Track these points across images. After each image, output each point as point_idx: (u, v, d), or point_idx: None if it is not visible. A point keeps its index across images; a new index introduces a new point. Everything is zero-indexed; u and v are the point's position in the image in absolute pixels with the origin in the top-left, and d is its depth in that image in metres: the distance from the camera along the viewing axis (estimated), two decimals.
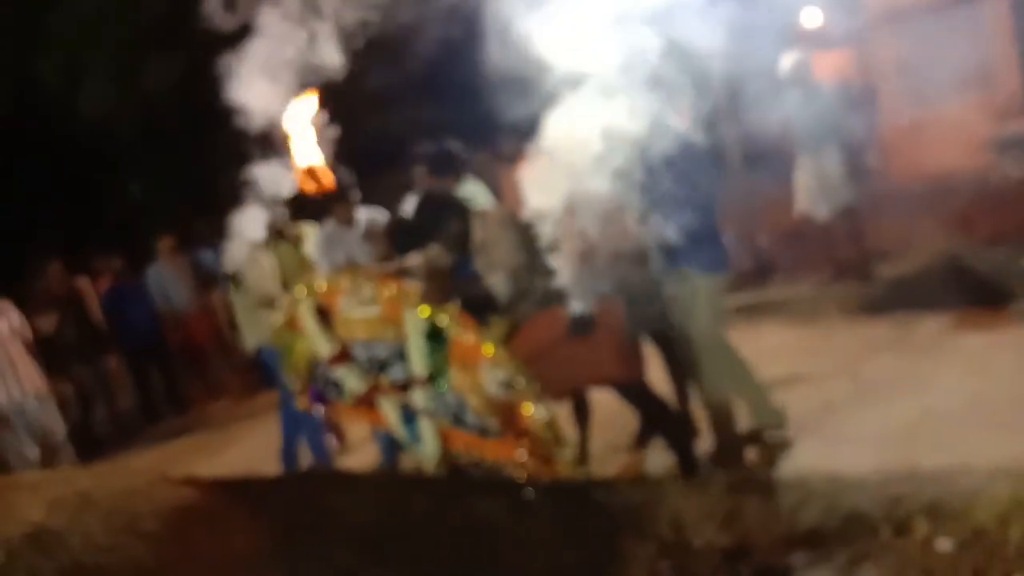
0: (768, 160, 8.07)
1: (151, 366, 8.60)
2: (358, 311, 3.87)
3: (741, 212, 7.93)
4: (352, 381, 3.98)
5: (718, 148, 7.89)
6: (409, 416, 3.85)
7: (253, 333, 5.02)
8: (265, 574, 2.74)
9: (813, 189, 6.87)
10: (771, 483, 3.30)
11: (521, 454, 3.55)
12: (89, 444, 7.21)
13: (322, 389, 4.17)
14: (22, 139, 12.42)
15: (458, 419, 3.70)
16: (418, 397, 3.78)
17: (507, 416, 3.55)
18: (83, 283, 8.59)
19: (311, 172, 4.21)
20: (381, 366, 3.88)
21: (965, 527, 2.69)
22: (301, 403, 4.37)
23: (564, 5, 3.33)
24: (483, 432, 3.66)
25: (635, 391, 3.86)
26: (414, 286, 3.77)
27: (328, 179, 4.23)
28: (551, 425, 3.52)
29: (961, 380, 4.44)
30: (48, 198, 12.51)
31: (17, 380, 5.24)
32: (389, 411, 3.92)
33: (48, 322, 7.63)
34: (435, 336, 3.66)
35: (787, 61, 6.80)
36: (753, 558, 2.86)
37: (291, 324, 4.15)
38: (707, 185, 3.83)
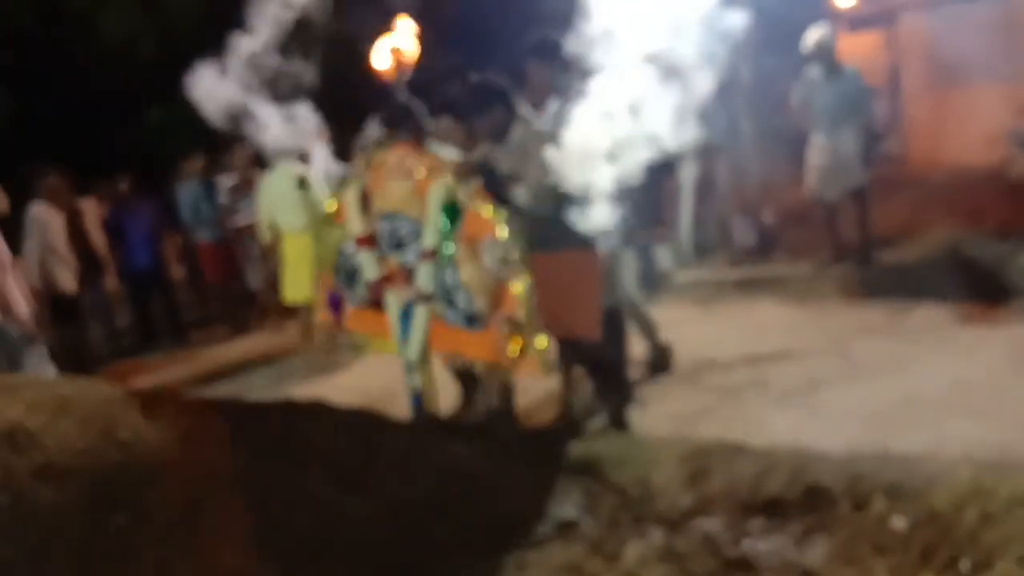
0: (782, 137, 8.03)
1: (150, 290, 8.68)
2: (396, 183, 4.06)
3: (750, 188, 7.92)
4: (369, 267, 4.19)
5: (733, 122, 7.84)
6: (407, 315, 4.05)
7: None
8: (234, 492, 2.81)
9: (825, 169, 6.83)
10: (738, 450, 3.33)
11: (504, 348, 3.71)
12: (82, 361, 7.31)
13: (340, 284, 4.37)
14: (44, 61, 12.41)
15: (450, 301, 3.87)
16: (422, 275, 3.95)
17: (495, 297, 3.72)
18: (87, 204, 8.65)
19: (395, 51, 4.34)
20: (398, 244, 4.08)
21: (921, 508, 2.73)
22: (320, 316, 4.59)
23: None
24: (469, 321, 3.82)
25: (598, 349, 3.93)
26: (451, 162, 3.92)
27: (409, 58, 4.35)
28: (533, 308, 3.64)
29: (945, 368, 4.48)
30: (67, 121, 12.52)
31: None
32: (392, 304, 4.13)
33: None
34: (452, 211, 3.83)
35: (811, 37, 6.72)
36: (711, 519, 2.91)
37: (338, 213, 4.35)
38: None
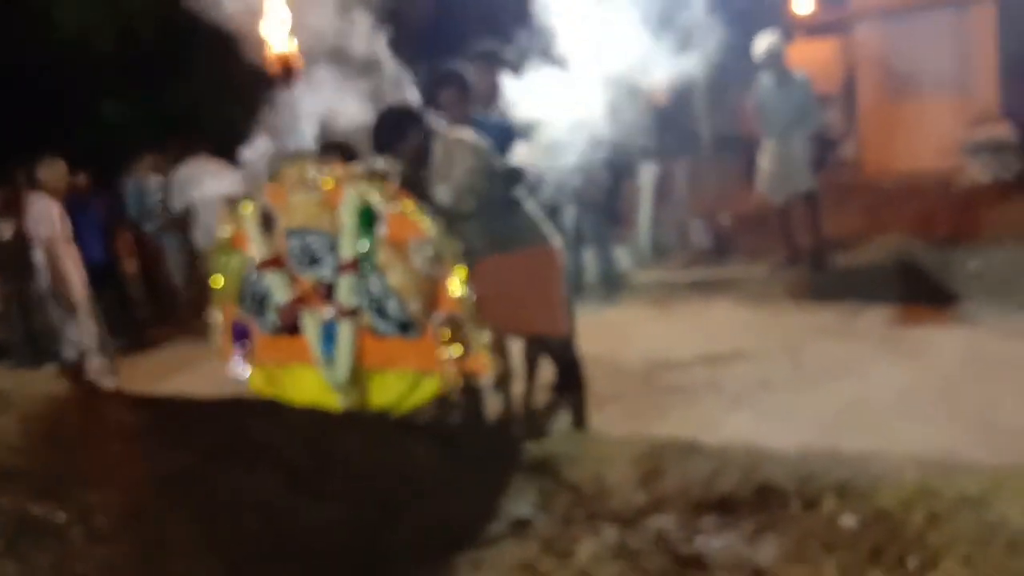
0: (736, 141, 8.13)
1: (102, 287, 8.49)
2: (301, 196, 3.87)
3: (706, 191, 8.00)
4: (279, 290, 3.97)
5: (690, 126, 7.92)
6: (329, 334, 3.87)
7: None
8: (178, 494, 2.75)
9: (773, 174, 6.94)
10: (692, 449, 3.35)
11: (445, 350, 3.61)
12: (30, 355, 7.14)
13: (246, 314, 4.14)
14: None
15: (380, 311, 3.72)
16: (343, 289, 3.78)
17: (430, 298, 3.61)
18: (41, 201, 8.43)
19: (281, 58, 4.21)
20: (312, 260, 3.89)
21: (870, 507, 2.77)
22: (223, 352, 4.28)
23: None
24: (403, 329, 3.69)
25: (562, 345, 3.93)
26: (362, 171, 3.79)
27: (296, 64, 4.21)
28: (472, 306, 3.56)
29: (894, 371, 4.55)
30: (20, 114, 12.21)
31: None
32: (310, 327, 3.93)
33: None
34: (368, 217, 3.70)
35: (761, 44, 6.80)
36: (664, 517, 2.91)
37: (236, 239, 4.12)
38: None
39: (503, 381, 4.18)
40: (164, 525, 2.58)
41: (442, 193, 3.73)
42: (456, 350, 3.59)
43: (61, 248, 5.82)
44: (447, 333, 3.61)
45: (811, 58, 11.68)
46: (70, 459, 2.58)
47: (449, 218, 3.66)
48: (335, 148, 4.22)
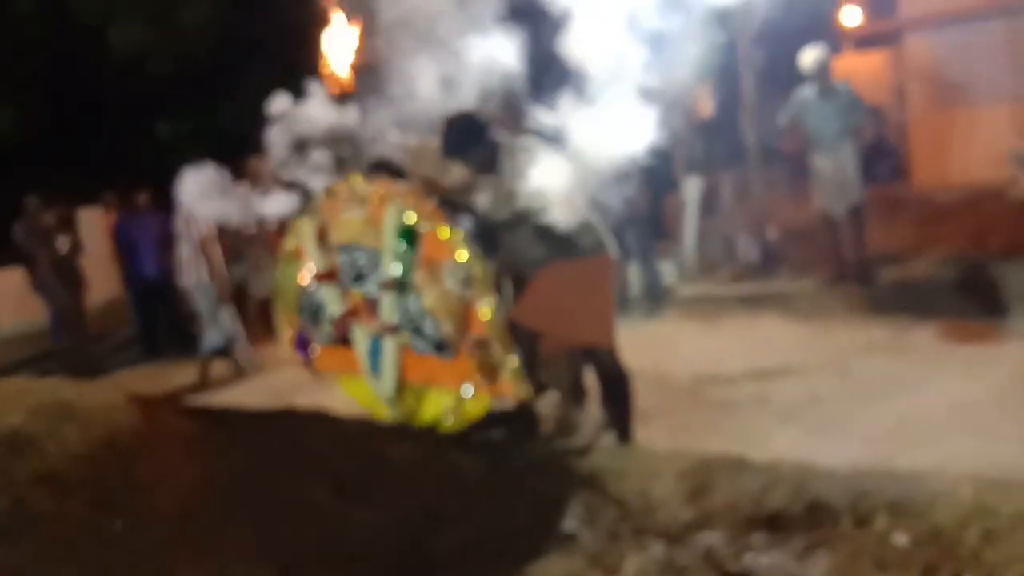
0: (783, 154, 8.05)
1: (157, 299, 8.68)
2: (351, 212, 3.99)
3: (753, 204, 7.93)
4: (333, 302, 4.08)
5: (736, 138, 7.87)
6: (376, 348, 3.94)
7: None
8: (234, 500, 2.80)
9: (830, 185, 6.84)
10: (741, 464, 3.32)
11: (465, 389, 3.70)
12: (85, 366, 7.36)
13: (306, 324, 4.23)
14: (55, 75, 12.47)
15: (417, 329, 3.78)
16: (385, 307, 3.86)
17: (462, 320, 3.65)
18: (90, 214, 8.71)
19: (339, 81, 4.31)
20: (358, 276, 3.99)
21: (924, 525, 2.72)
22: (289, 357, 4.47)
23: None
24: (439, 348, 3.74)
25: (610, 358, 3.92)
26: (405, 188, 3.84)
27: (351, 85, 4.31)
28: (503, 332, 3.59)
29: (948, 387, 4.46)
30: (80, 134, 12.57)
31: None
32: (360, 340, 4.02)
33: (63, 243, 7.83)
34: (409, 236, 3.77)
35: (808, 56, 6.74)
36: (712, 534, 2.89)
37: (297, 252, 4.25)
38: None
39: (554, 397, 4.21)
40: (221, 532, 2.64)
41: (483, 200, 3.76)
42: (487, 372, 3.61)
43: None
44: (476, 356, 3.64)
45: (860, 70, 11.56)
46: (129, 467, 2.65)
47: (487, 227, 3.70)
48: (382, 167, 4.28)
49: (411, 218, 3.73)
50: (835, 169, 6.78)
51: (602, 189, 3.90)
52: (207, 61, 11.94)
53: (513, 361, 3.60)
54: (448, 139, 3.81)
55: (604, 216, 3.92)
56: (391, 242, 3.80)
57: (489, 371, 3.65)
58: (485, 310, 3.60)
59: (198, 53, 12.00)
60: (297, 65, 4.50)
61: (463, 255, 3.62)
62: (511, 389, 3.64)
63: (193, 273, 6.84)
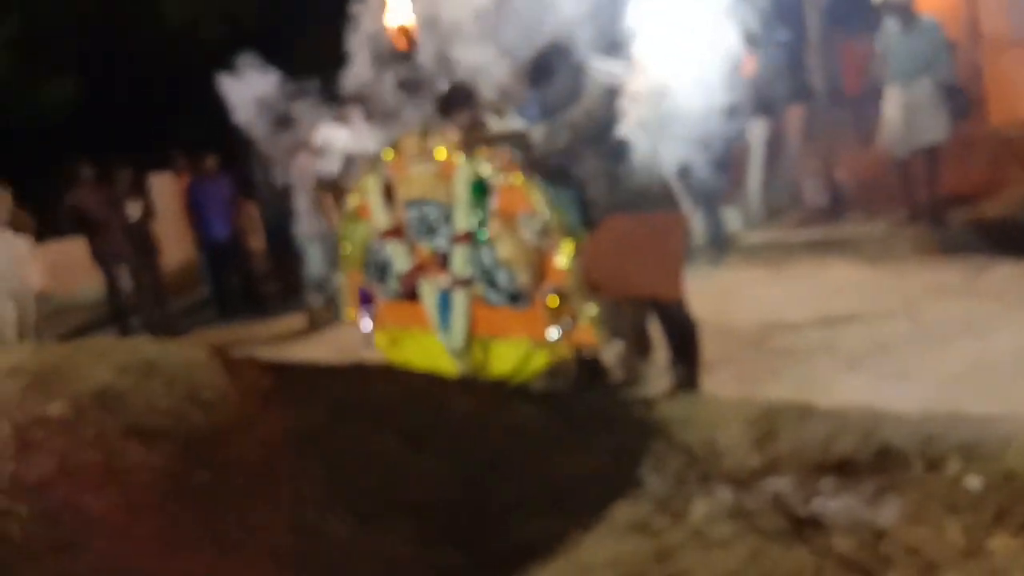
0: (849, 95, 7.82)
1: (227, 261, 8.92)
2: (419, 167, 3.99)
3: (821, 146, 7.75)
4: (400, 258, 4.13)
5: (802, 78, 7.66)
6: (445, 302, 3.98)
7: None
8: (309, 450, 2.91)
9: (897, 124, 6.64)
10: (808, 411, 3.31)
11: (550, 330, 3.67)
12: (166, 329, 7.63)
13: (370, 280, 4.31)
14: (109, 46, 12.72)
15: (491, 281, 3.81)
16: (457, 260, 3.89)
17: (538, 268, 3.67)
18: (162, 179, 8.91)
19: (403, 31, 4.30)
20: (428, 230, 4.01)
21: (996, 469, 2.68)
22: (350, 314, 4.53)
23: None
24: (513, 300, 3.77)
25: (677, 310, 3.91)
26: (476, 138, 3.87)
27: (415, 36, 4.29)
28: (579, 279, 3.60)
29: (1021, 330, 4.35)
30: (138, 103, 12.82)
31: None
32: (428, 295, 4.07)
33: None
34: (480, 189, 3.78)
35: None
36: (780, 479, 2.91)
37: (361, 209, 4.30)
38: None
39: (620, 348, 4.22)
40: (298, 480, 2.75)
41: (537, 133, 3.77)
42: (565, 321, 3.64)
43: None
44: (554, 303, 3.67)
45: (930, 5, 11.08)
46: (211, 420, 2.77)
47: (544, 156, 3.69)
48: (459, 91, 4.20)
49: (485, 170, 3.74)
50: (906, 107, 6.56)
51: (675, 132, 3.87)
52: (259, 23, 12.07)
53: (591, 309, 3.62)
54: (531, 70, 3.84)
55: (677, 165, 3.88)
56: (464, 195, 3.81)
57: (567, 319, 3.68)
58: (562, 259, 3.61)
59: (248, 16, 12.14)
60: (342, 31, 4.47)
61: (540, 205, 3.62)
62: (589, 337, 3.66)
63: (314, 222, 7.05)
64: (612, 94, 3.72)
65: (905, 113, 6.58)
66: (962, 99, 9.73)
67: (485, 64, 4.24)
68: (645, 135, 3.73)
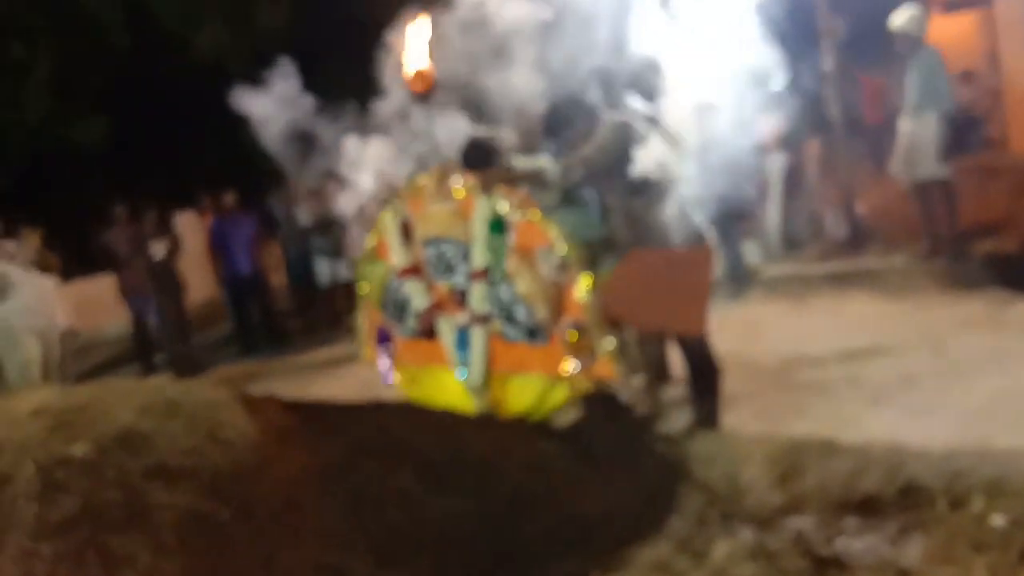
0: (867, 126, 7.81)
1: (250, 297, 9.01)
2: (437, 206, 4.03)
3: (839, 179, 7.74)
4: (418, 297, 4.15)
5: (820, 111, 7.67)
6: (463, 339, 4.01)
7: None
8: (330, 488, 2.92)
9: (901, 155, 6.64)
10: (831, 447, 3.28)
11: (569, 364, 3.68)
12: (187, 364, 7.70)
13: (388, 319, 4.33)
14: (139, 81, 12.95)
15: (509, 317, 3.83)
16: (475, 296, 3.92)
17: (557, 305, 3.68)
18: (188, 218, 9.06)
19: (420, 75, 4.34)
20: (447, 268, 4.05)
21: (1022, 506, 2.65)
22: (367, 355, 4.55)
23: None
24: (531, 335, 3.78)
25: (700, 347, 3.90)
26: (494, 177, 3.89)
27: (432, 80, 4.31)
28: (598, 312, 3.61)
29: None
30: (166, 138, 13.02)
31: None
32: (446, 332, 4.09)
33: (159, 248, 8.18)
34: (498, 226, 3.81)
35: (900, 16, 6.51)
36: (802, 518, 2.88)
37: (379, 248, 4.34)
38: None
39: (641, 382, 4.21)
40: (319, 519, 2.75)
41: (553, 170, 3.83)
42: (583, 355, 3.65)
43: None
44: (574, 338, 3.67)
45: (949, 34, 11.08)
46: (232, 459, 2.79)
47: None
48: (478, 147, 4.25)
49: (503, 207, 3.79)
50: (911, 137, 6.56)
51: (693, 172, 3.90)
52: (292, 54, 12.24)
53: (610, 343, 3.64)
54: (547, 120, 3.89)
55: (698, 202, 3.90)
56: (482, 232, 3.86)
57: (586, 354, 3.69)
58: (581, 293, 3.64)
59: (276, 52, 12.32)
60: (373, 63, 4.54)
61: (558, 241, 3.66)
62: (608, 371, 3.67)
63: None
64: (626, 129, 3.76)
65: (907, 143, 6.58)
66: (978, 130, 9.69)
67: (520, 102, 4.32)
68: (672, 167, 3.77)
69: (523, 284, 3.76)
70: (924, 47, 6.63)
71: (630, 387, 3.95)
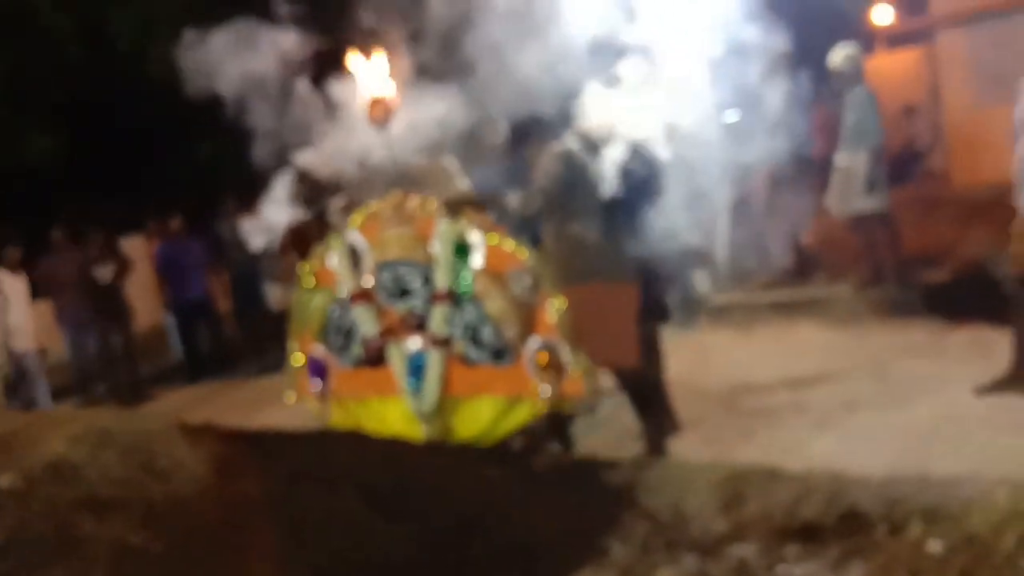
0: (814, 159, 7.96)
1: (198, 322, 8.86)
2: (395, 231, 4.00)
3: (786, 208, 7.86)
4: (367, 323, 4.07)
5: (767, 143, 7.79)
6: (416, 365, 3.96)
7: None
8: (271, 515, 2.86)
9: (833, 189, 6.78)
10: (774, 474, 3.31)
11: (541, 389, 3.69)
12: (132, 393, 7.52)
13: (328, 349, 4.25)
14: (92, 97, 12.73)
15: (474, 338, 3.82)
16: (436, 318, 3.88)
17: (526, 323, 3.70)
18: (135, 242, 8.88)
19: (378, 102, 4.31)
20: (402, 292, 4.00)
21: (959, 531, 2.69)
22: (290, 397, 4.41)
23: None
24: (497, 356, 3.78)
25: (638, 377, 3.94)
26: (456, 199, 3.93)
27: (394, 108, 4.28)
28: (569, 330, 3.63)
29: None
30: (118, 156, 12.80)
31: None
32: (396, 358, 4.02)
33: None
34: (462, 249, 3.82)
35: (837, 55, 6.67)
36: (745, 546, 2.88)
37: (319, 276, 4.24)
38: None
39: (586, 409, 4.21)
40: (257, 547, 2.69)
41: (513, 199, 3.87)
42: (550, 377, 3.65)
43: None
44: (544, 358, 3.68)
45: (893, 69, 11.41)
46: (166, 489, 2.72)
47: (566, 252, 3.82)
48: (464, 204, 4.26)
49: (468, 231, 3.79)
50: (842, 172, 6.69)
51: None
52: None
53: (582, 359, 3.64)
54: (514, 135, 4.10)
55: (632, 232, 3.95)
56: (447, 255, 3.85)
57: (555, 373, 3.69)
58: (552, 312, 3.65)
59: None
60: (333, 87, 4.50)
61: (529, 260, 3.71)
62: (578, 388, 3.68)
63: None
64: (568, 157, 3.83)
65: (840, 179, 6.71)
66: (920, 163, 9.90)
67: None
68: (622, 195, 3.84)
69: (493, 304, 3.76)
70: (858, 86, 6.77)
71: (595, 404, 3.95)
